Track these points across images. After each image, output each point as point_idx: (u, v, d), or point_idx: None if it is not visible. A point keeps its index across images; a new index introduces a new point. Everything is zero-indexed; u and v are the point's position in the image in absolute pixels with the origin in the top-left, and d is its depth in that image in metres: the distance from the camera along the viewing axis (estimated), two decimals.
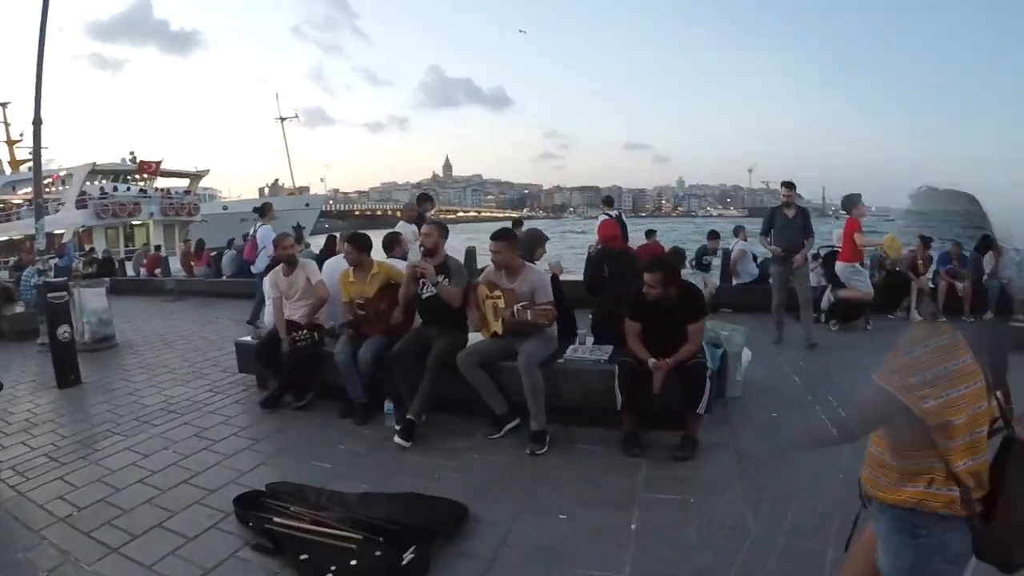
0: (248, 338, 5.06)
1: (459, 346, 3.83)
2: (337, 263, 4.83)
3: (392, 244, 5.01)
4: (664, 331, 3.42)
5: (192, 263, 13.03)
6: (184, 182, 29.09)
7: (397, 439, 3.56)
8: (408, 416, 3.64)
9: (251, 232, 7.65)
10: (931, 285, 7.37)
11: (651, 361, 3.34)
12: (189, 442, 3.84)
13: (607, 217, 8.17)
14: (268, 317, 5.13)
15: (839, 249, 6.63)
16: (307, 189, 44.44)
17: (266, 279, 5.25)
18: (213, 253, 13.05)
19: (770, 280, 6.27)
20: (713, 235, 9.09)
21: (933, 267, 7.53)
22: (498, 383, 3.73)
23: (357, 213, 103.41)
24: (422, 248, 4.00)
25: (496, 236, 3.75)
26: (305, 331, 4.13)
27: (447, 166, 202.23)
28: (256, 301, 7.28)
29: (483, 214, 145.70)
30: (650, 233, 9.23)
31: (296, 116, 41.07)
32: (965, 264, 7.47)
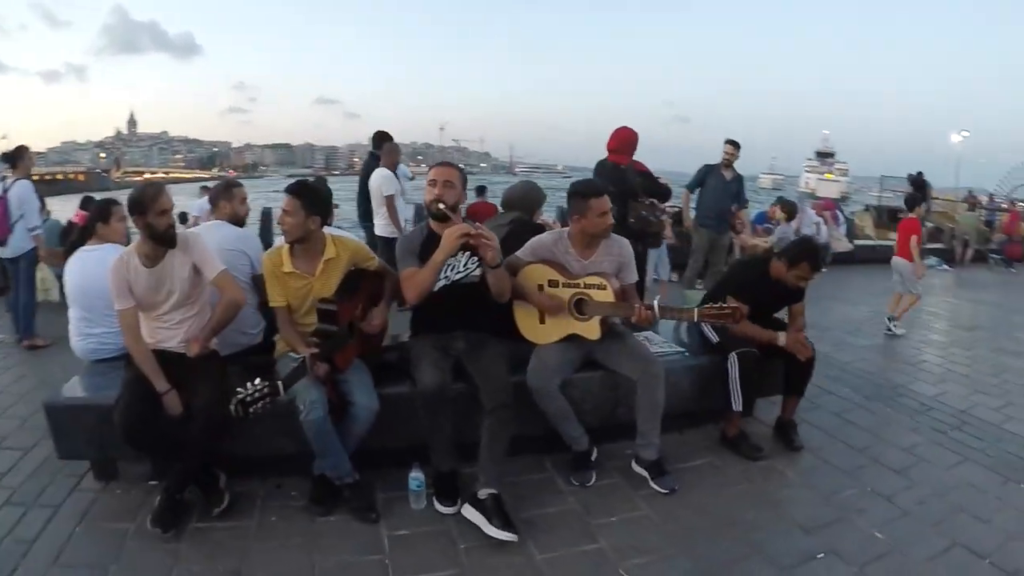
0: (70, 394, 2.52)
1: (509, 360, 2.54)
2: (220, 234, 2.80)
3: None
4: (765, 314, 2.96)
5: None
6: None
7: (495, 532, 2.12)
8: (486, 491, 2.22)
9: None
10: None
11: (781, 336, 2.84)
12: None
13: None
14: (81, 343, 2.81)
15: None
16: None
17: (70, 272, 2.89)
18: None
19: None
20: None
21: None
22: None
23: (35, 177, 78.47)
24: (439, 208, 2.43)
25: (596, 191, 2.53)
26: (264, 384, 2.07)
27: (132, 122, 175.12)
28: (20, 304, 4.54)
29: (172, 175, 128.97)
30: (481, 190, 8.50)
31: None
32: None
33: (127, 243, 2.89)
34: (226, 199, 2.98)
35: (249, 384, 2.06)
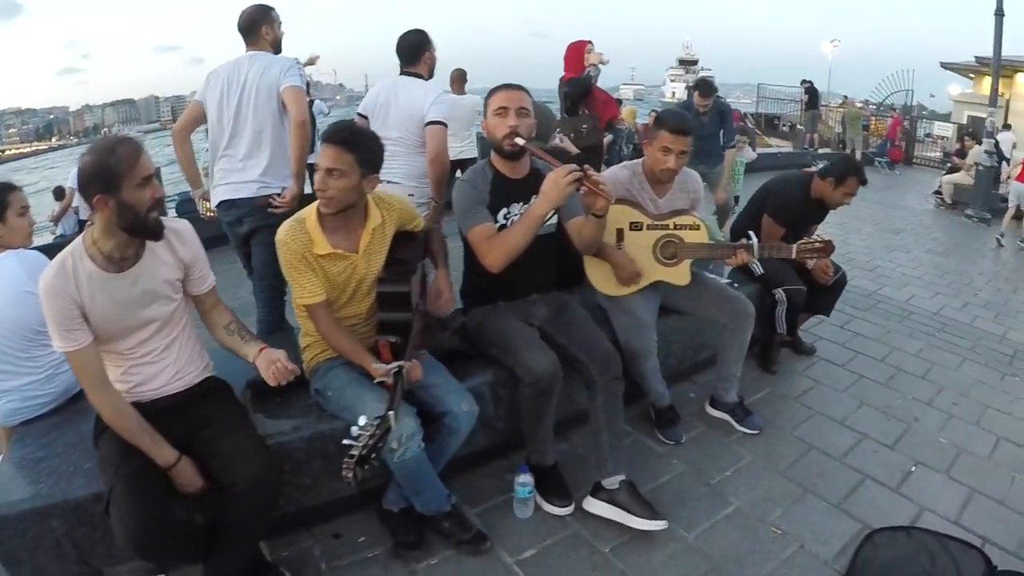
0: (10, 495, 1.57)
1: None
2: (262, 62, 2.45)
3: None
4: (797, 236, 2.92)
5: None
6: None
7: (643, 524, 1.88)
8: (616, 479, 1.96)
9: None
10: None
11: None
12: None
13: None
14: None
15: None
16: None
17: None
18: None
19: None
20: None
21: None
22: None
23: None
24: (515, 143, 1.92)
25: (672, 126, 2.22)
26: (372, 423, 1.51)
27: None
28: None
29: (8, 152, 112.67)
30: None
31: None
32: None
33: (30, 245, 2.02)
34: (267, 24, 2.50)
35: (356, 430, 1.47)
